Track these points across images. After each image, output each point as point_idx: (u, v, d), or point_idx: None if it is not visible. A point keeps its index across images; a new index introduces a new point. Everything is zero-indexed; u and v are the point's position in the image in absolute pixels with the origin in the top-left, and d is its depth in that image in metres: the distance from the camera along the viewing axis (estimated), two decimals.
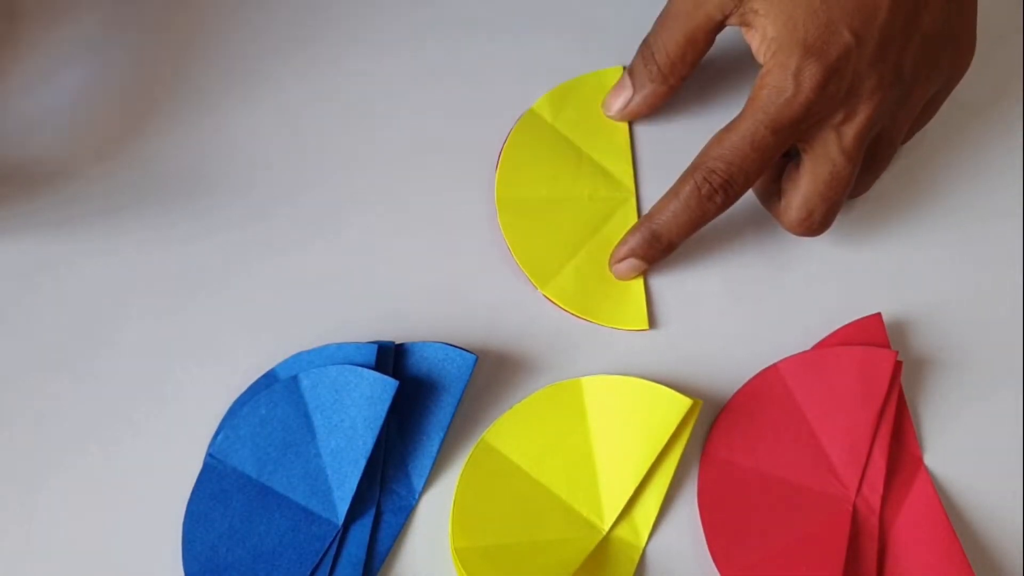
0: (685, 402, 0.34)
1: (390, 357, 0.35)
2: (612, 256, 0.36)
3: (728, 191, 0.33)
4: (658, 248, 0.35)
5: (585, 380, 0.35)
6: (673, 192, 0.34)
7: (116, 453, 0.36)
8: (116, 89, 0.39)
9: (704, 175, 0.33)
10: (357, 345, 0.35)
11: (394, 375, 0.34)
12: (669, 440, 0.35)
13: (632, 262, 0.36)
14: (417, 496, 0.35)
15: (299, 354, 0.35)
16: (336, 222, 0.38)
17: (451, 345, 0.35)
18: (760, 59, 0.33)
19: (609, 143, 0.39)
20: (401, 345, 0.35)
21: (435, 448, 0.35)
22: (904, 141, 0.37)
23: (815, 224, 0.34)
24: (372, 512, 0.34)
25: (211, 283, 0.37)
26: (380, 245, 0.38)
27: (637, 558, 0.34)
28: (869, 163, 0.35)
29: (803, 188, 0.34)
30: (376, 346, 0.34)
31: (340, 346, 0.35)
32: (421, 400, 0.35)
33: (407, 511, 0.35)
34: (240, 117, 0.39)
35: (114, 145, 0.39)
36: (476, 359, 0.35)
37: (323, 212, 0.38)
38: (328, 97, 0.39)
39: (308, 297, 0.37)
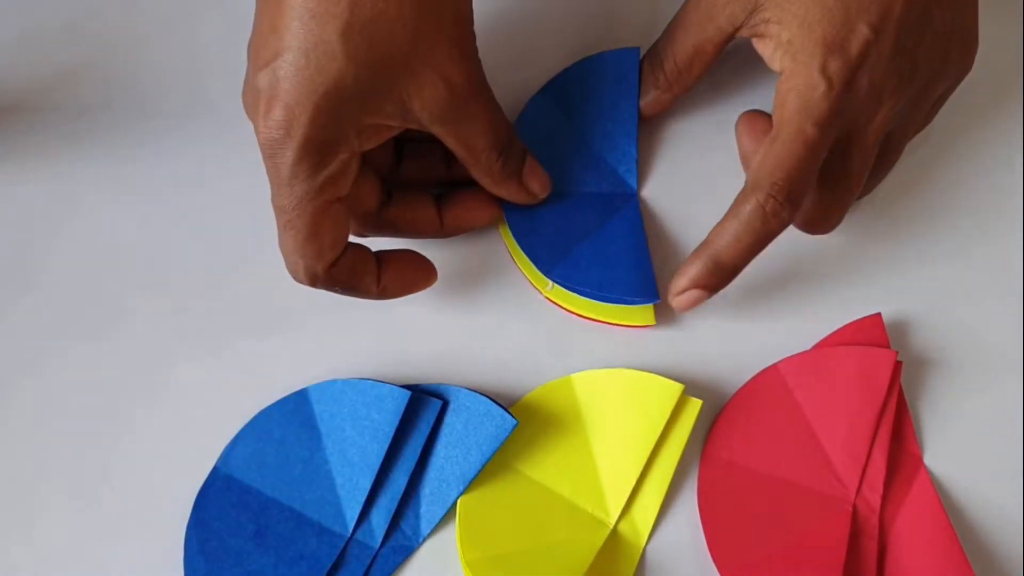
0: (676, 387, 0.34)
1: (427, 410, 0.34)
2: (671, 289, 0.34)
3: (793, 202, 0.32)
4: (721, 276, 0.33)
5: (575, 376, 0.36)
6: (732, 214, 0.32)
7: (119, 458, 0.36)
8: None
9: (768, 192, 0.31)
10: (391, 388, 0.34)
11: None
12: (669, 437, 0.35)
13: (695, 293, 0.34)
14: (421, 539, 0.34)
15: (334, 381, 0.35)
16: None
17: (496, 403, 0.34)
18: (776, 65, 0.33)
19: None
20: (444, 394, 0.35)
21: (452, 499, 0.34)
22: (909, 139, 0.37)
23: (828, 223, 0.35)
24: (374, 545, 0.34)
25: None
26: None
27: (637, 557, 0.34)
28: (877, 163, 0.35)
29: (817, 187, 0.34)
30: (409, 394, 0.34)
31: (374, 384, 0.34)
32: (451, 448, 0.34)
33: (407, 552, 0.34)
34: None
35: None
36: (516, 424, 0.34)
37: None
38: None
39: (313, 299, 0.37)
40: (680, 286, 0.34)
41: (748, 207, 0.32)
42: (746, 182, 0.32)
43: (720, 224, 0.33)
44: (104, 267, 0.38)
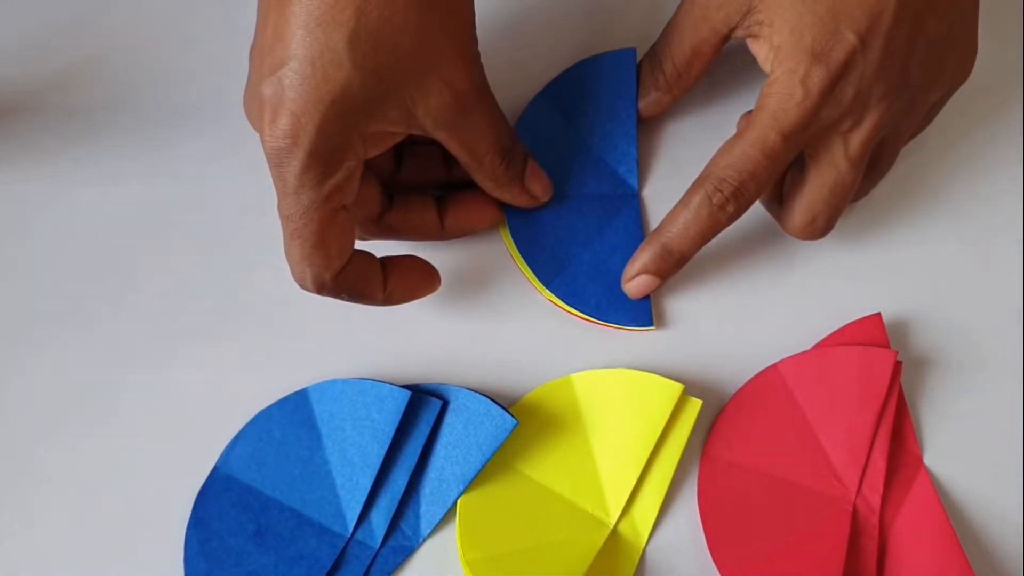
0: (676, 387, 0.34)
1: (426, 410, 0.34)
2: (624, 274, 0.36)
3: (740, 199, 0.33)
4: (670, 262, 0.35)
5: (575, 376, 0.36)
6: (683, 204, 0.34)
7: (119, 458, 0.36)
8: None
9: (715, 184, 0.33)
10: (391, 388, 0.34)
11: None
12: (669, 437, 0.35)
13: (645, 279, 0.35)
14: (421, 539, 0.34)
15: (334, 381, 0.35)
16: None
17: (496, 403, 0.34)
18: (766, 68, 0.33)
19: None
20: (444, 394, 0.35)
21: (452, 499, 0.34)
22: (903, 144, 0.37)
23: (818, 229, 0.35)
24: (374, 545, 0.34)
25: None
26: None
27: (637, 558, 0.34)
28: (871, 169, 0.35)
29: (807, 194, 0.34)
30: (409, 394, 0.34)
31: (374, 384, 0.34)
32: (451, 448, 0.34)
33: (407, 552, 0.34)
34: None
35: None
36: (516, 424, 0.34)
37: None
38: None
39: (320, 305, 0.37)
40: (632, 272, 0.35)
41: (697, 198, 0.33)
42: (702, 172, 0.34)
43: (671, 212, 0.34)
44: (104, 267, 0.38)
